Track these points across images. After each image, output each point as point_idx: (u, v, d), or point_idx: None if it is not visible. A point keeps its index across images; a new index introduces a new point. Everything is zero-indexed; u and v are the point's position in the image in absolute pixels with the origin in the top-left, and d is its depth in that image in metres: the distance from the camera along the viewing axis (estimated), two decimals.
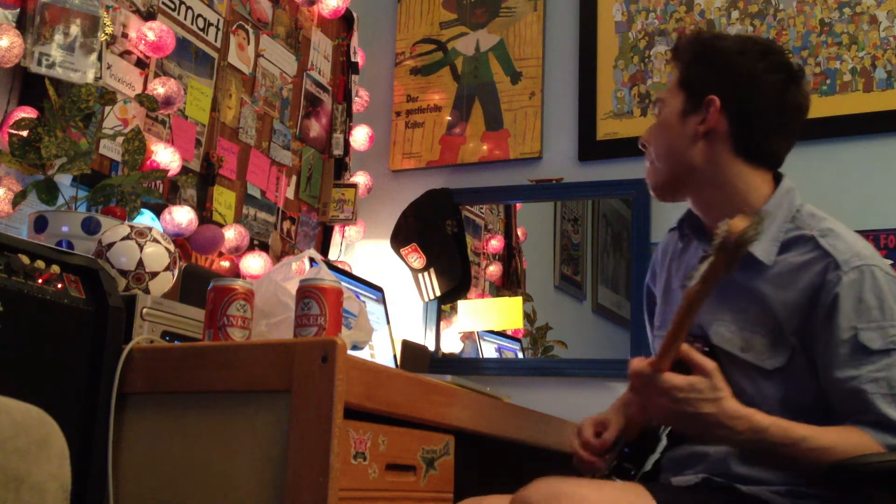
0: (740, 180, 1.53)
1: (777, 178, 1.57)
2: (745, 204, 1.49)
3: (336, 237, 2.94)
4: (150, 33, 2.16)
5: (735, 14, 2.77)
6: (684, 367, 1.37)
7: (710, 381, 1.35)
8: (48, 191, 1.76)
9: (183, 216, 2.19)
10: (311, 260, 1.85)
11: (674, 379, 1.36)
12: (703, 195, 1.57)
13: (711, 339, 1.50)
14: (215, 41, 2.48)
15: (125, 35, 2.16)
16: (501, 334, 3.01)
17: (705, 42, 1.61)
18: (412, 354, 2.69)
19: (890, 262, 1.50)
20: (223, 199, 2.48)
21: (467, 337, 2.98)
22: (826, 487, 1.40)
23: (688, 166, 1.56)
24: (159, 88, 2.14)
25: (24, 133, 1.72)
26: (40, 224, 1.70)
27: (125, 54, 2.16)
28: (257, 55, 2.65)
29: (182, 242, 2.25)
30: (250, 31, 2.63)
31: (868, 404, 1.38)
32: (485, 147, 2.99)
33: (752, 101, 1.53)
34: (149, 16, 2.23)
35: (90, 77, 1.92)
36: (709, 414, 1.35)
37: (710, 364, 1.36)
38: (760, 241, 1.37)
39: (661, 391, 1.36)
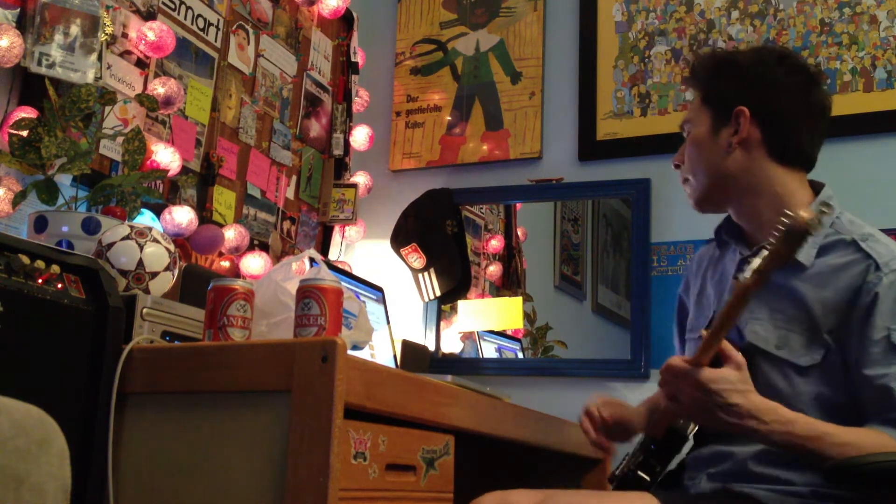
0: (778, 183, 1.58)
1: (813, 186, 1.62)
2: (785, 207, 1.52)
3: (336, 237, 2.94)
4: (150, 33, 2.16)
5: (735, 14, 2.77)
6: (718, 363, 1.40)
7: (740, 373, 1.39)
8: (48, 191, 1.76)
9: (183, 216, 2.19)
10: (311, 260, 1.85)
11: (706, 372, 1.39)
12: (744, 204, 1.62)
13: (746, 337, 1.52)
14: (215, 41, 2.47)
15: (125, 35, 2.16)
16: (501, 334, 3.01)
17: (721, 58, 1.68)
18: (412, 354, 2.69)
19: None
20: (223, 199, 2.48)
21: (467, 337, 2.98)
22: (847, 488, 1.41)
23: (726, 177, 1.61)
24: (159, 88, 2.14)
25: (24, 133, 1.72)
26: (40, 224, 1.70)
27: (125, 54, 2.16)
28: (257, 55, 2.65)
29: (182, 242, 2.25)
30: (250, 31, 2.63)
31: (895, 402, 1.40)
32: (485, 147, 2.99)
33: (779, 104, 1.58)
34: (149, 16, 2.23)
35: (90, 77, 1.92)
36: (738, 404, 1.38)
37: (741, 358, 1.40)
38: None
39: (695, 384, 1.39)
